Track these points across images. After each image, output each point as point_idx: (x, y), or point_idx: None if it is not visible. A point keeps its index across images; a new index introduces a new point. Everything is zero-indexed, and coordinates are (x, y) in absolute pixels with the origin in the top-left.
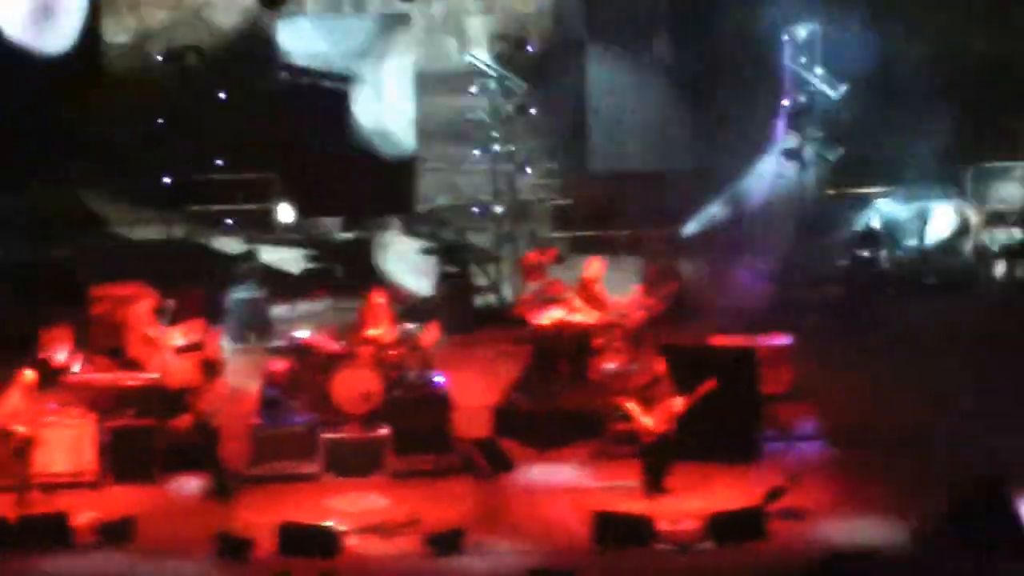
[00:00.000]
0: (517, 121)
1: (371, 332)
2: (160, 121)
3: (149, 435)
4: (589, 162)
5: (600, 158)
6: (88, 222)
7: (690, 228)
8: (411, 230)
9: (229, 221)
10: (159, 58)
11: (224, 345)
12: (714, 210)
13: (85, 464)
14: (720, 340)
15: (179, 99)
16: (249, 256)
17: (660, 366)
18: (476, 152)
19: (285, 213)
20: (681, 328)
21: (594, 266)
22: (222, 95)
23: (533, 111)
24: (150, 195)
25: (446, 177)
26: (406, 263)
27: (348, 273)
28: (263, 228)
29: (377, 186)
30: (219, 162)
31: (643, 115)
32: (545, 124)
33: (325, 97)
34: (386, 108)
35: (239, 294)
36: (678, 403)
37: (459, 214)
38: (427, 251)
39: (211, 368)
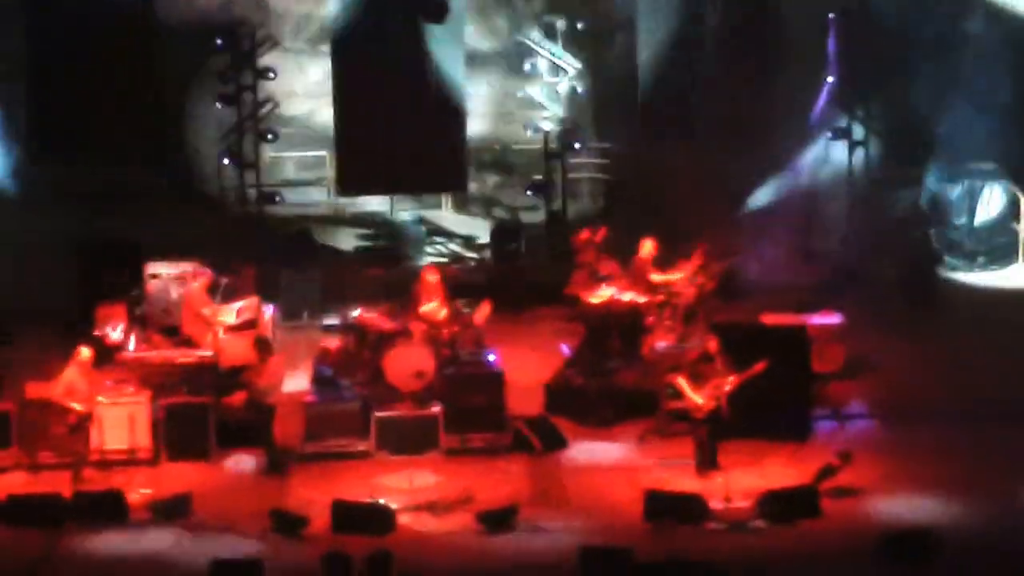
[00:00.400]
0: (569, 99)
1: (424, 310)
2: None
3: (203, 412)
4: (640, 139)
5: (652, 134)
6: (146, 196)
7: (743, 205)
8: (463, 208)
9: (277, 198)
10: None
11: (279, 322)
12: (767, 187)
13: (140, 441)
14: (772, 318)
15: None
16: (306, 234)
17: (711, 344)
18: (528, 132)
19: (336, 190)
20: (733, 306)
21: (646, 246)
22: None
23: (583, 88)
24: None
25: (498, 156)
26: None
27: (401, 251)
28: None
29: (428, 164)
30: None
31: (691, 92)
32: (596, 101)
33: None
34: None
35: (293, 272)
36: (729, 381)
37: (511, 192)
38: (478, 229)
39: (264, 346)
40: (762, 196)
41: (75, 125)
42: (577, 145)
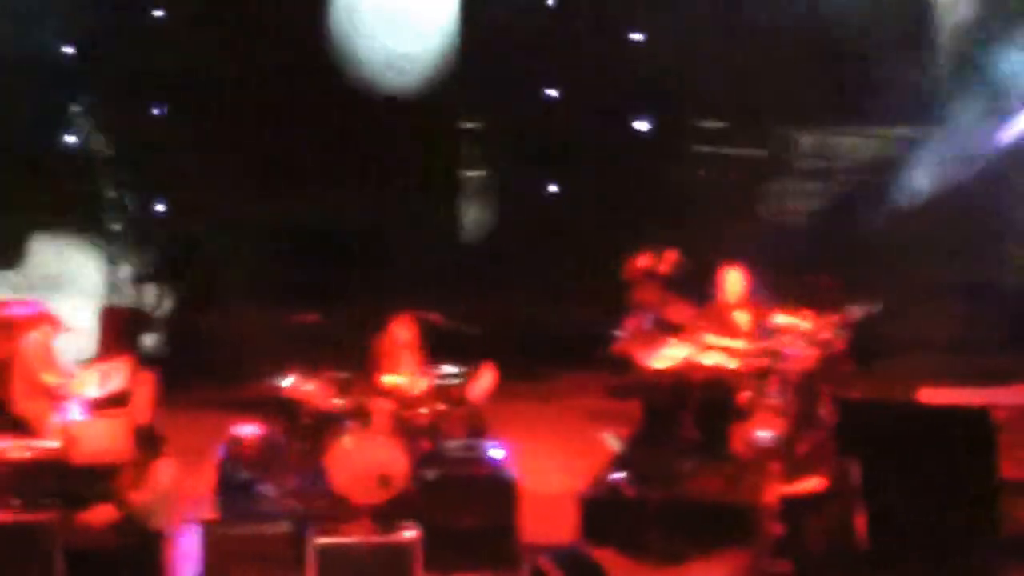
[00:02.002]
0: None
1: (390, 379)
2: None
3: (47, 536)
4: None
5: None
6: None
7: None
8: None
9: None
10: None
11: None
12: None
13: None
14: (934, 394)
15: None
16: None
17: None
18: None
19: None
20: (872, 374)
21: (733, 280)
22: None
23: None
24: None
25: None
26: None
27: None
28: None
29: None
30: None
31: None
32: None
33: None
34: None
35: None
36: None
37: None
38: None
39: (147, 436)
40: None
41: None
42: None
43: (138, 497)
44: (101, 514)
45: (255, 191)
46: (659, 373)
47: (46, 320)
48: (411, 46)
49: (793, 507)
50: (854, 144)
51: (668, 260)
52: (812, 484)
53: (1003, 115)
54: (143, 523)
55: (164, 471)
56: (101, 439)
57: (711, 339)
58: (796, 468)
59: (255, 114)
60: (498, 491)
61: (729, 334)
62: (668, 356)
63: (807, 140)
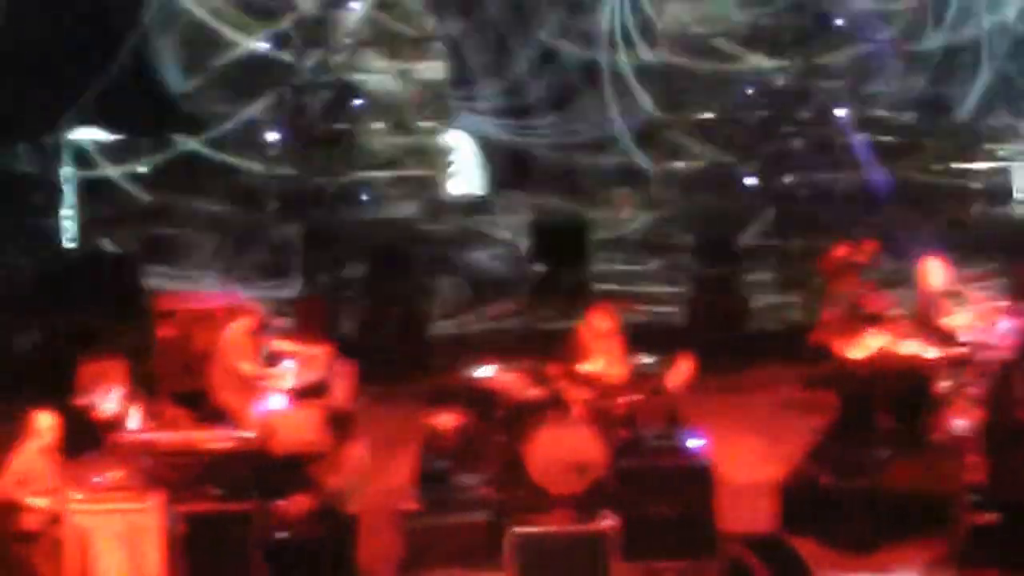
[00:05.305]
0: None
1: (588, 368)
2: None
3: (243, 525)
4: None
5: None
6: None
7: None
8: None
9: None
10: None
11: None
12: None
13: (146, 569)
14: None
15: None
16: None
17: None
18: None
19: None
20: None
21: (933, 269)
22: None
23: None
24: None
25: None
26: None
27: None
28: None
29: None
30: None
31: None
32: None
33: None
34: None
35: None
36: None
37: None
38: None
39: (342, 423)
40: None
41: None
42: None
43: (332, 482)
44: (298, 503)
45: None
46: (855, 363)
47: (245, 311)
48: None
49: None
50: None
51: (866, 250)
52: None
53: None
54: (338, 510)
55: (359, 458)
56: (299, 429)
57: (921, 329)
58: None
59: None
60: (695, 480)
61: (931, 324)
62: (865, 346)
63: None
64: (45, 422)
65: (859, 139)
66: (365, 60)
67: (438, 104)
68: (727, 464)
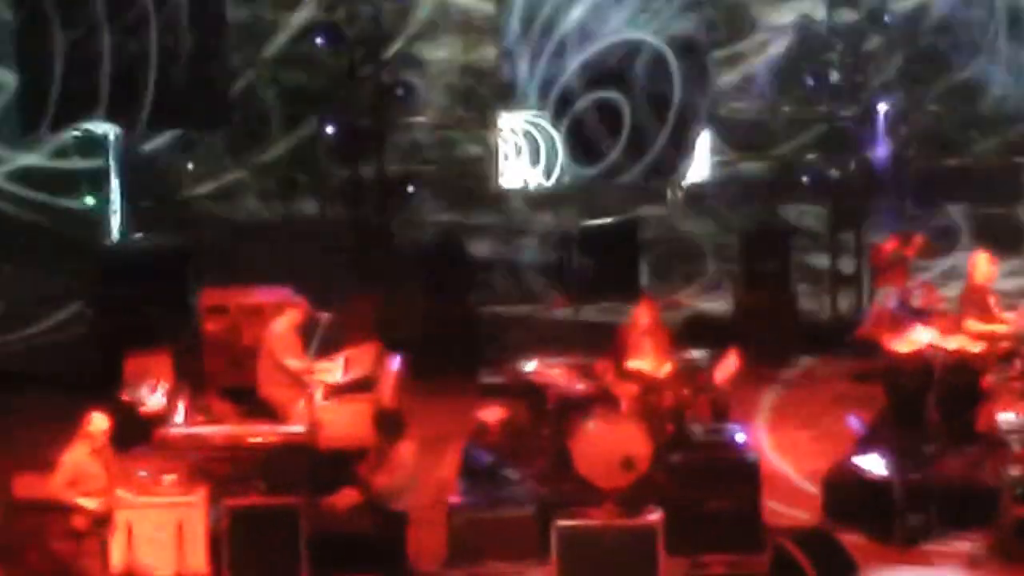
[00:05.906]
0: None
1: (635, 363)
2: None
3: (291, 520)
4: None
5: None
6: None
7: None
8: (693, 205)
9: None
10: None
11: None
12: None
13: (192, 562)
14: None
15: None
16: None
17: None
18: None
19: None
20: None
21: (981, 264)
22: None
23: None
24: None
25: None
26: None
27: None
28: None
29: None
30: None
31: None
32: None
33: None
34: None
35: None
36: None
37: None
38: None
39: (389, 420)
40: None
41: None
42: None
43: (381, 480)
44: (345, 498)
45: None
46: (903, 357)
47: (293, 306)
48: None
49: None
50: None
51: (915, 244)
52: None
53: None
54: (386, 505)
55: (406, 454)
56: (345, 424)
57: (970, 324)
58: None
59: None
60: (742, 474)
61: (983, 317)
62: (913, 340)
63: None
64: (100, 424)
65: (906, 132)
66: (420, 49)
67: (492, 94)
68: (776, 458)
